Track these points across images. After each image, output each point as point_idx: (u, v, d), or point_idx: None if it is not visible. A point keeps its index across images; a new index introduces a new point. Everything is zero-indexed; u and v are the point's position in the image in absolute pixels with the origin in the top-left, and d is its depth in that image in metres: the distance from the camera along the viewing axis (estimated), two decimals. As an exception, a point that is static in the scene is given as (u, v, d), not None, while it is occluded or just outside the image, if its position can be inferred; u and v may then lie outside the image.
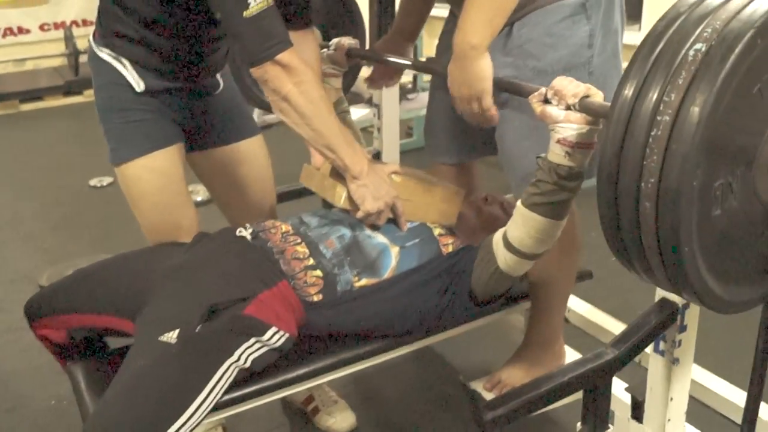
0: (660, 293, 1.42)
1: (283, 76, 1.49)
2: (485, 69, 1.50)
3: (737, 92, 1.01)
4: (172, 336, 1.36)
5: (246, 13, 1.42)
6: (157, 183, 1.73)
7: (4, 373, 2.44)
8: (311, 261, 1.53)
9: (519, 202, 1.45)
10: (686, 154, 0.98)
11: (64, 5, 6.91)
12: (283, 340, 1.46)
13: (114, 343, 1.68)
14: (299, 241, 1.56)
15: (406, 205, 1.68)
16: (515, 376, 1.87)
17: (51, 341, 1.63)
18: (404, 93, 4.44)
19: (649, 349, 1.47)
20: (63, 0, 6.89)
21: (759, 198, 1.14)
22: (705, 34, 1.01)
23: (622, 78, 1.08)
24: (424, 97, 3.53)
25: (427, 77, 4.15)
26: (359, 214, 1.62)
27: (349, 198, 1.63)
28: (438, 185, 1.75)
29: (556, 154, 1.34)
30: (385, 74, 2.10)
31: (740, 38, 0.98)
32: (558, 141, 1.33)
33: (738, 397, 2.05)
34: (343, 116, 1.86)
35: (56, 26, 6.90)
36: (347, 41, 1.92)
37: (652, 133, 1.01)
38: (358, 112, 4.29)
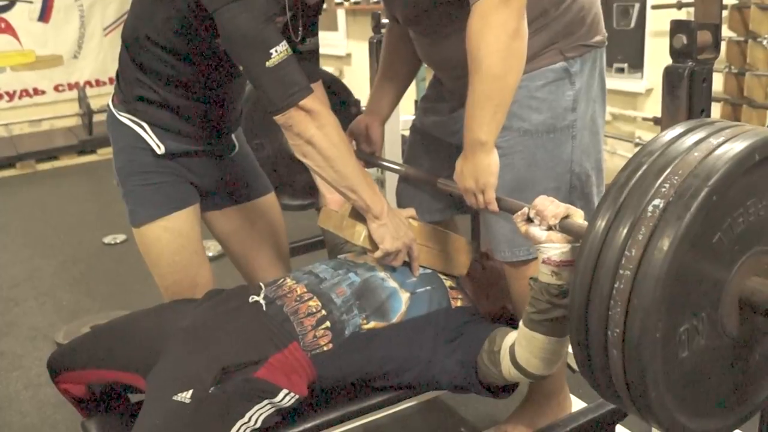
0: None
1: (307, 120, 1.51)
2: (493, 164, 1.53)
3: (696, 245, 1.01)
4: (185, 396, 1.37)
5: (269, 64, 1.46)
6: (176, 243, 1.77)
7: (22, 428, 2.47)
8: (322, 312, 1.53)
9: (521, 322, 1.42)
10: (647, 308, 0.98)
11: (78, 66, 7.09)
12: (293, 401, 1.46)
13: (135, 398, 1.69)
14: (312, 296, 1.56)
15: (420, 250, 1.68)
16: (520, 428, 1.89)
17: (72, 395, 1.67)
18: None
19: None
20: (76, 61, 7.07)
21: (727, 333, 1.12)
22: (663, 189, 1.01)
23: (587, 229, 1.09)
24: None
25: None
26: (378, 254, 1.63)
27: (369, 237, 1.65)
28: (452, 234, 1.73)
29: (544, 274, 1.33)
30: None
31: (696, 196, 0.98)
32: (543, 261, 1.32)
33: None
34: None
35: (70, 87, 7.07)
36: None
37: (615, 286, 1.01)
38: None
